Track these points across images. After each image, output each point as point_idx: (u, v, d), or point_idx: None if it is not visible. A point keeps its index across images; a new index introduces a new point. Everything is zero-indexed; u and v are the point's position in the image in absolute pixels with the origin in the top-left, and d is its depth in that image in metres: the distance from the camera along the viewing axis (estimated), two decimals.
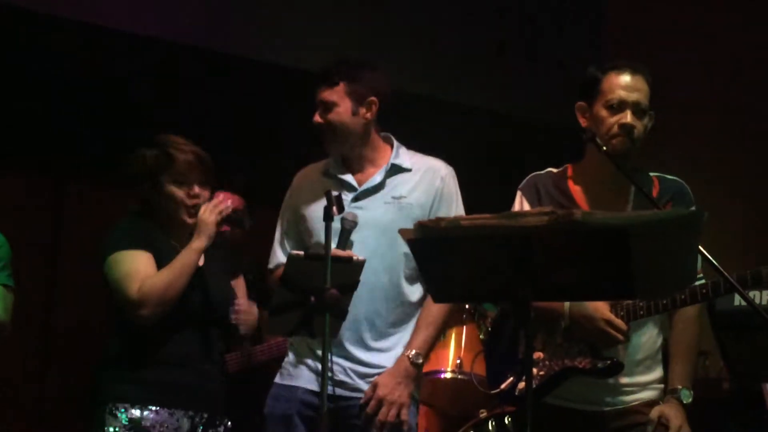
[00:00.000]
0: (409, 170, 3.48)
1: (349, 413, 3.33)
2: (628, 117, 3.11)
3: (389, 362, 3.36)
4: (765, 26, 5.93)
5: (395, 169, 3.48)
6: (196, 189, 3.31)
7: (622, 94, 3.13)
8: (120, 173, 3.38)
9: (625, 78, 3.15)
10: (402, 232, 2.60)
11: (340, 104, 3.41)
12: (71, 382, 5.24)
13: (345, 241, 3.30)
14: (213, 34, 5.43)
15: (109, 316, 3.33)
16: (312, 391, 3.35)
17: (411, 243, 2.56)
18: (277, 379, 3.47)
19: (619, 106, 3.12)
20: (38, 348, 5.50)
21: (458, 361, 4.72)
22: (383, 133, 3.55)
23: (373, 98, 3.44)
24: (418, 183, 3.46)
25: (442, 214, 3.39)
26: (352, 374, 3.37)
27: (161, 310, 3.18)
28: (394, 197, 3.44)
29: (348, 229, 3.32)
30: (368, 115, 3.44)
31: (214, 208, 3.29)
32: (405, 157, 3.51)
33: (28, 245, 5.48)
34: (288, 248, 3.47)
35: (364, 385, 3.35)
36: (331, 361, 3.18)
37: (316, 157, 3.66)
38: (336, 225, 3.19)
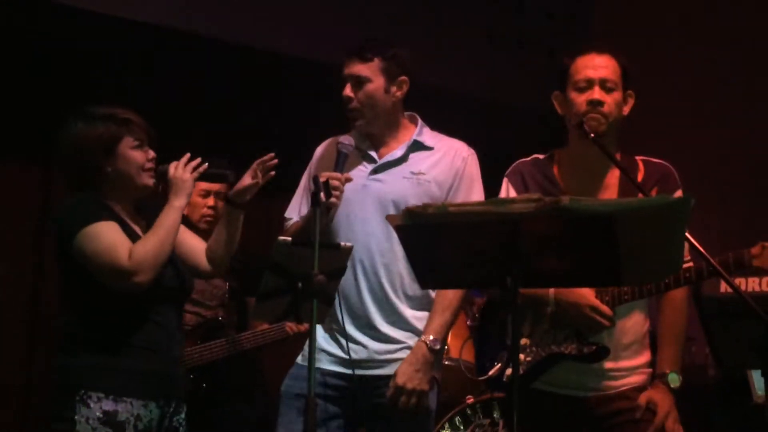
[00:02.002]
0: (431, 149, 3.49)
1: (373, 393, 3.35)
2: (595, 93, 3.15)
3: (410, 340, 3.37)
4: (753, 9, 5.94)
5: (417, 146, 3.49)
6: (151, 152, 3.19)
7: (588, 72, 3.18)
8: (60, 150, 3.17)
9: (589, 57, 3.21)
10: (389, 218, 2.59)
11: (374, 80, 3.42)
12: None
13: (342, 166, 3.30)
14: (206, 20, 5.41)
15: (70, 297, 3.17)
16: (332, 372, 3.38)
17: (398, 229, 2.56)
18: (299, 360, 3.47)
19: (586, 85, 3.17)
20: (24, 336, 5.48)
21: (446, 347, 4.73)
22: (408, 112, 3.56)
23: (404, 77, 3.45)
24: (439, 161, 3.47)
25: (460, 194, 3.42)
26: (372, 352, 3.38)
27: (154, 276, 3.06)
28: (413, 172, 3.44)
29: (344, 152, 3.32)
30: (398, 93, 3.46)
31: (186, 166, 3.18)
32: (428, 136, 3.53)
33: (14, 233, 5.48)
34: (303, 211, 3.50)
35: (385, 362, 3.37)
36: (347, 340, 3.29)
37: (301, 148, 3.67)
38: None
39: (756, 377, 4.41)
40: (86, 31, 5.12)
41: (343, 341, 3.37)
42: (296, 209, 3.56)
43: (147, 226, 3.19)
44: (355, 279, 3.38)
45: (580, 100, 3.17)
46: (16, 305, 5.49)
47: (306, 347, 3.46)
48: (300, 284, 2.91)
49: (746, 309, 2.75)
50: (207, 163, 3.22)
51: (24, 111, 5.31)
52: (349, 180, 3.29)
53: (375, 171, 3.47)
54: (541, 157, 3.32)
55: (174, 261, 3.22)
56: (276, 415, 3.45)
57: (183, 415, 3.22)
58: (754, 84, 5.87)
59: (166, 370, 3.15)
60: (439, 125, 3.61)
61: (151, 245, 3.07)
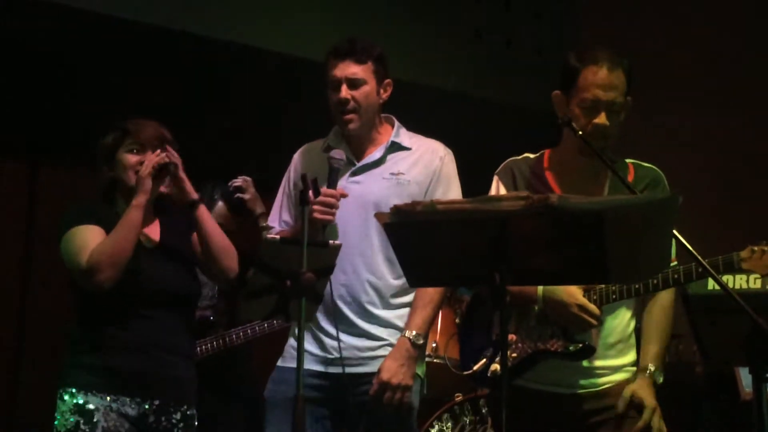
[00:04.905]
0: (408, 149, 3.51)
1: (357, 390, 3.35)
2: (602, 118, 3.08)
3: (392, 337, 3.39)
4: (744, 10, 5.96)
5: (395, 147, 3.51)
6: (149, 155, 3.31)
7: (597, 93, 3.07)
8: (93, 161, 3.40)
9: (602, 74, 3.07)
10: (378, 215, 2.60)
11: (369, 82, 3.45)
12: (46, 368, 5.20)
13: (334, 181, 3.32)
14: (187, 16, 5.39)
15: (74, 302, 3.33)
16: (314, 372, 3.37)
17: (386, 227, 2.56)
18: (280, 362, 3.47)
19: (593, 106, 3.08)
20: (13, 334, 5.47)
21: (434, 345, 4.74)
22: (384, 114, 3.58)
23: (389, 80, 3.50)
24: (417, 162, 3.49)
25: (438, 194, 3.44)
26: (354, 350, 3.39)
27: (115, 273, 3.18)
28: (392, 173, 3.47)
29: (336, 168, 3.34)
30: (384, 96, 3.50)
31: (147, 164, 3.29)
32: (405, 136, 3.55)
33: (1, 231, 5.47)
34: (284, 218, 3.54)
35: (368, 359, 3.38)
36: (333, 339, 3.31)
37: (277, 148, 3.68)
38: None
39: (743, 374, 4.43)
40: (71, 29, 5.10)
41: (325, 340, 3.38)
42: (276, 218, 3.58)
43: (163, 227, 3.37)
44: (336, 279, 3.37)
45: (584, 121, 3.08)
46: (3, 304, 5.48)
47: (286, 349, 3.47)
48: (288, 282, 2.91)
49: (733, 306, 2.75)
50: (165, 157, 3.27)
51: (9, 107, 5.30)
52: (344, 196, 3.31)
53: (354, 173, 3.48)
54: (532, 156, 3.29)
55: (162, 268, 3.30)
56: (263, 416, 3.44)
57: (179, 416, 3.28)
58: (745, 83, 5.89)
59: (145, 369, 3.23)
60: (426, 123, 3.62)
61: (106, 245, 3.20)
